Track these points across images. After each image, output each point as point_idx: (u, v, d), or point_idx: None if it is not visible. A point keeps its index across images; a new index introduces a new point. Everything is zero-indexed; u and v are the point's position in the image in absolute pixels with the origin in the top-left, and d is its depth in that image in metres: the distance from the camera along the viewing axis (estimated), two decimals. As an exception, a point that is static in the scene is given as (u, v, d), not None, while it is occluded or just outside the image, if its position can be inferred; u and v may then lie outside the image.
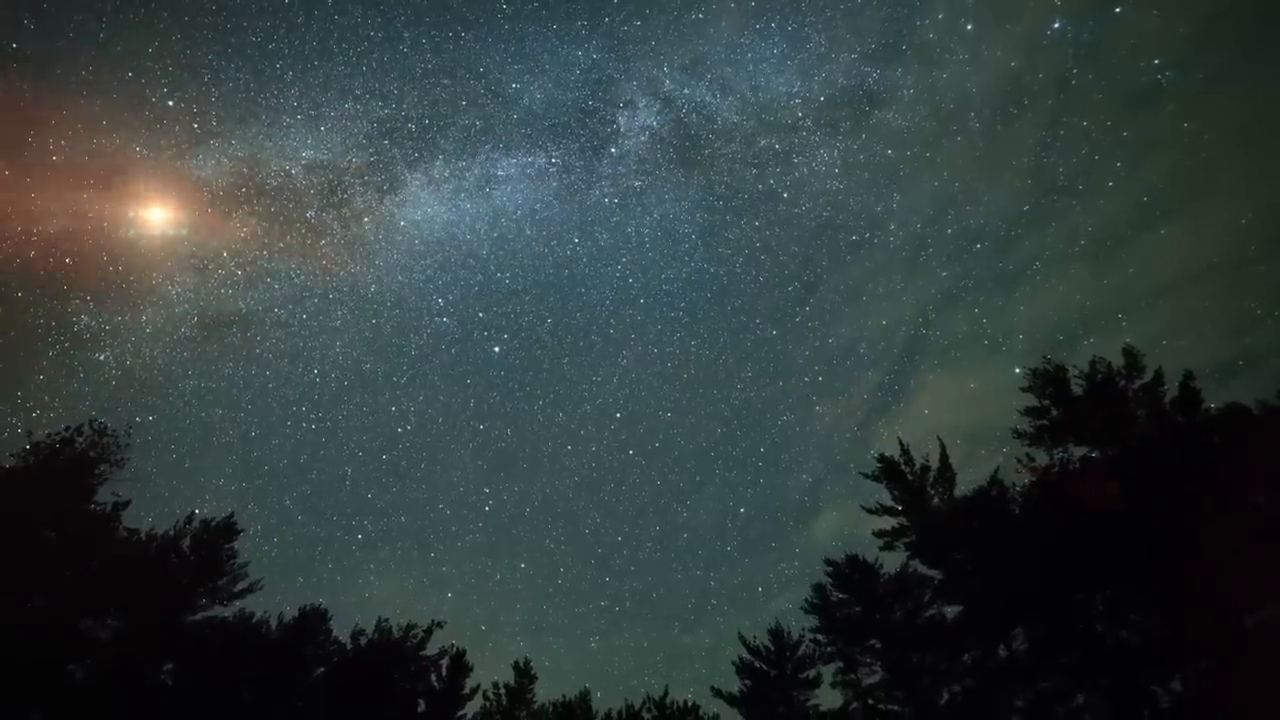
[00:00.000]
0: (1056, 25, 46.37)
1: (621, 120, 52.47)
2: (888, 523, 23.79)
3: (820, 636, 24.86)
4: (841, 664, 24.00)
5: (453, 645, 28.08)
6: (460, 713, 27.01)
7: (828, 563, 25.15)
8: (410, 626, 27.44)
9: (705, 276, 57.73)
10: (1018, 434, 22.04)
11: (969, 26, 47.44)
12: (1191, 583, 18.05)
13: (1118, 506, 19.60)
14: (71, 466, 22.54)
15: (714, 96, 52.04)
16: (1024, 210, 51.02)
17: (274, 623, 25.37)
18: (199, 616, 23.55)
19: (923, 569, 23.51)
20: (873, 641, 23.55)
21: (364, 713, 24.30)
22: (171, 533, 23.82)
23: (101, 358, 45.56)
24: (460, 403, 56.68)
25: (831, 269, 56.85)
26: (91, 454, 22.95)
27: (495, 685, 28.21)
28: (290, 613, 25.82)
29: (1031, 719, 20.23)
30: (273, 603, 49.34)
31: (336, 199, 47.77)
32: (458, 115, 49.33)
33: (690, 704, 27.57)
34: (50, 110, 41.23)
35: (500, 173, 52.11)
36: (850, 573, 24.69)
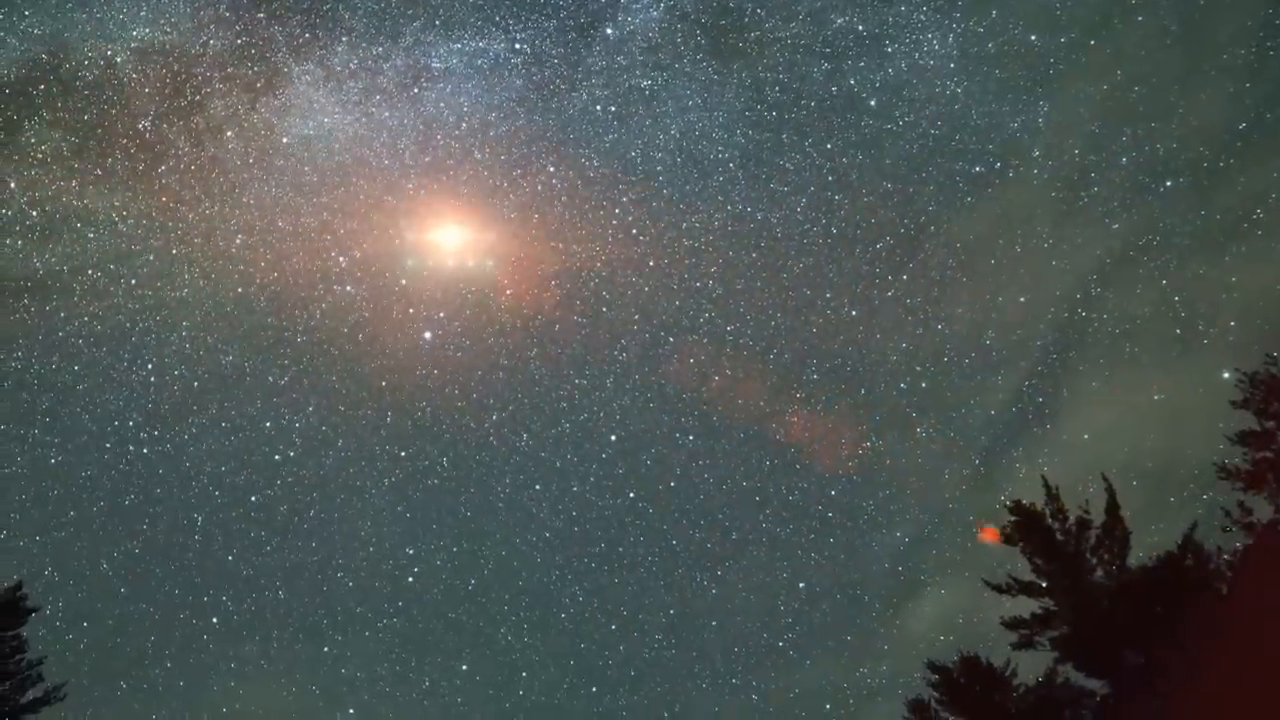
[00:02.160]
0: None
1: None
2: (1025, 606, 19.70)
3: (923, 779, 20.46)
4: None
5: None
6: None
7: (932, 667, 20.69)
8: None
9: (748, 226, 43.29)
10: (1225, 472, 18.75)
11: None
12: None
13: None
14: None
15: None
16: (1239, 129, 37.77)
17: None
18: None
19: (1079, 678, 19.55)
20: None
21: None
22: (-83, 611, 18.31)
23: None
24: (372, 416, 42.63)
25: (943, 217, 42.81)
26: None
27: None
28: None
29: None
30: (82, 719, 36.73)
31: (184, 103, 35.97)
32: (373, -23, 39.54)
33: None
34: None
35: (436, 64, 38.32)
36: (967, 683, 20.18)
